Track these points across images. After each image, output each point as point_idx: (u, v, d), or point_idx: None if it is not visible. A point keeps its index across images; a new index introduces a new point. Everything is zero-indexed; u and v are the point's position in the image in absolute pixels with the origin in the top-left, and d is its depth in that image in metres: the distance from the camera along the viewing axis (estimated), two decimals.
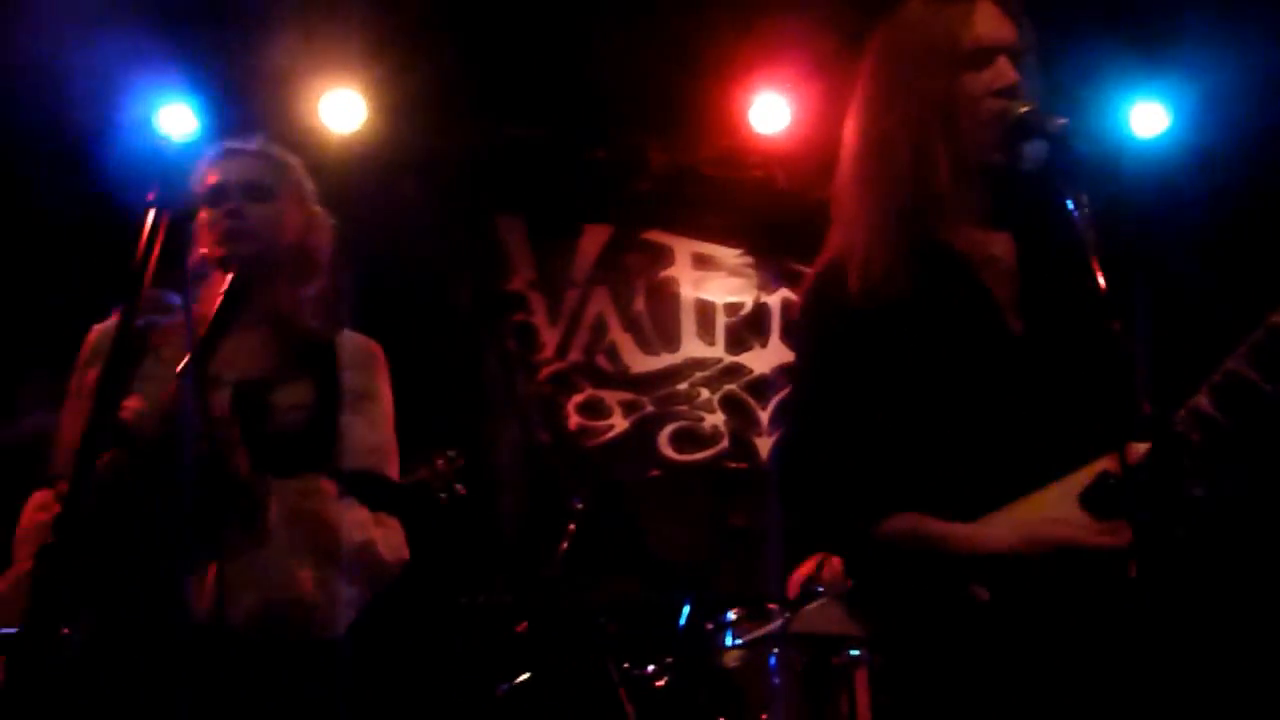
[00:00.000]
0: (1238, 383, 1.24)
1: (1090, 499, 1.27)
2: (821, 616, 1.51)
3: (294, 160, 1.95)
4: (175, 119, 3.94)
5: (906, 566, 1.33)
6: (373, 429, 1.81)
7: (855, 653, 2.37)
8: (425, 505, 3.35)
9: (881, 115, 1.50)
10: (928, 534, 1.32)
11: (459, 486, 3.38)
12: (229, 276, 1.75)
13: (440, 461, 3.37)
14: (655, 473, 3.81)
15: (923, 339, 1.40)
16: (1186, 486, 1.21)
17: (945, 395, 1.38)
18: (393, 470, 1.85)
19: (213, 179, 1.83)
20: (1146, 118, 4.13)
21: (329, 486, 1.67)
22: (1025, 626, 1.25)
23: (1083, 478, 1.29)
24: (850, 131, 1.55)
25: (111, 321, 1.83)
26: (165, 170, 1.35)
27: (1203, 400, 1.25)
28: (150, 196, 1.32)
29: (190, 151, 1.67)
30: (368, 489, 1.75)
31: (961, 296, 1.42)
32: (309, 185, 1.93)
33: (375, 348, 1.91)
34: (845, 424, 1.41)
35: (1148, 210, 3.74)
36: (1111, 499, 1.24)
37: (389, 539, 1.76)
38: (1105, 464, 1.28)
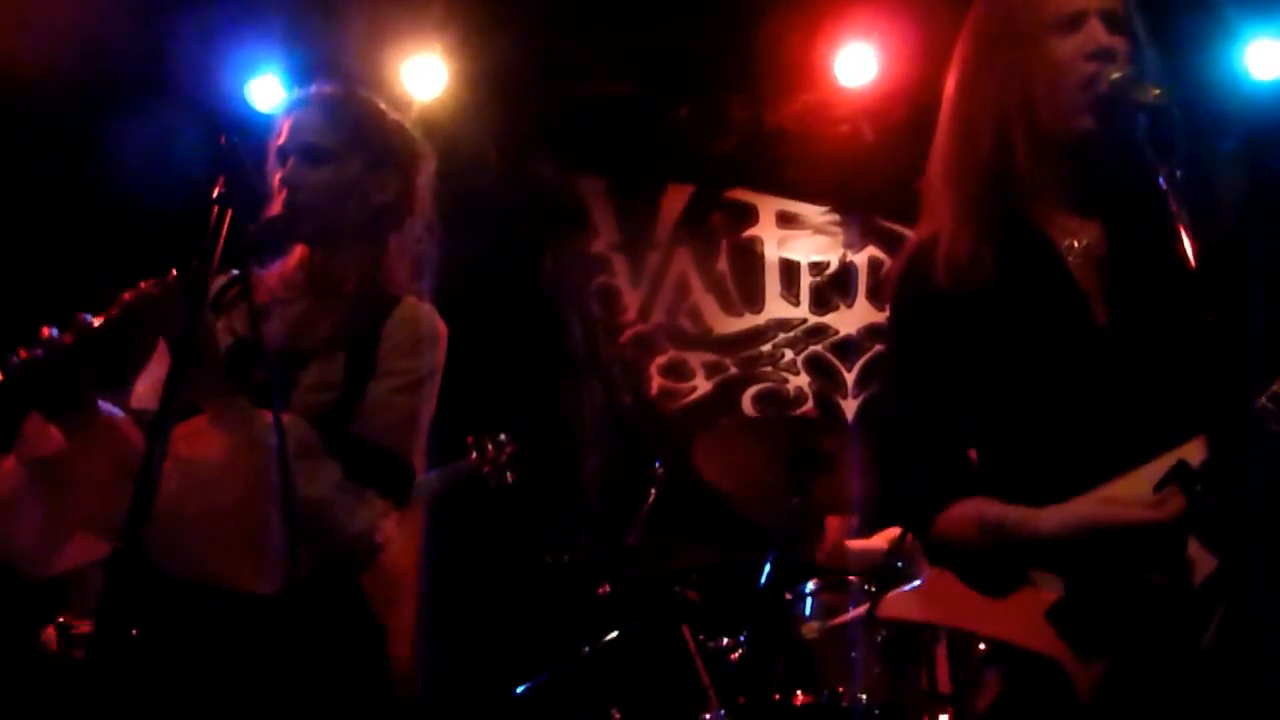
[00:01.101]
0: None
1: (1165, 486, 1.23)
2: (908, 602, 1.49)
3: (365, 109, 1.79)
4: (264, 90, 4.03)
5: (965, 551, 1.33)
6: (391, 399, 1.65)
7: (863, 696, 2.38)
8: (472, 489, 3.42)
9: (967, 92, 1.44)
10: (985, 517, 1.31)
11: (509, 473, 3.41)
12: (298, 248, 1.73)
13: (490, 447, 3.41)
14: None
15: (1005, 328, 1.38)
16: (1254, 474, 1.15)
17: (1025, 386, 1.36)
18: (403, 444, 1.66)
19: (279, 139, 1.75)
20: (1264, 57, 3.85)
21: (309, 432, 1.55)
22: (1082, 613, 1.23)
23: (1159, 467, 1.25)
24: (943, 109, 1.49)
25: (225, 277, 1.77)
26: (231, 165, 1.36)
27: None
28: (216, 191, 1.34)
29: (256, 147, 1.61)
30: (354, 455, 1.59)
31: (1046, 285, 1.38)
32: (382, 136, 1.77)
33: (425, 318, 1.74)
34: (928, 411, 1.40)
35: (1265, 165, 3.50)
36: (1186, 484, 1.20)
37: (353, 507, 1.56)
38: (1181, 453, 1.23)
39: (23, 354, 1.43)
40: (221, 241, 1.33)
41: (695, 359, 4.42)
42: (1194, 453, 1.25)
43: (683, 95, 4.39)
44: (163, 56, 3.71)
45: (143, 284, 1.50)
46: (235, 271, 1.76)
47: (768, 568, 2.68)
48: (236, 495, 1.49)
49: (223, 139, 1.38)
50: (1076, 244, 1.39)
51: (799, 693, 2.57)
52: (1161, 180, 1.23)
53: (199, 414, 1.55)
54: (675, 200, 4.55)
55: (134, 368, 1.69)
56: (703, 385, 4.39)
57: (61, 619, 2.10)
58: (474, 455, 3.39)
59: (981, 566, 1.32)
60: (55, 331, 1.45)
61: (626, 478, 3.90)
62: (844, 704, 2.52)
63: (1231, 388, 1.16)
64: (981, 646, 1.47)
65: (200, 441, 1.53)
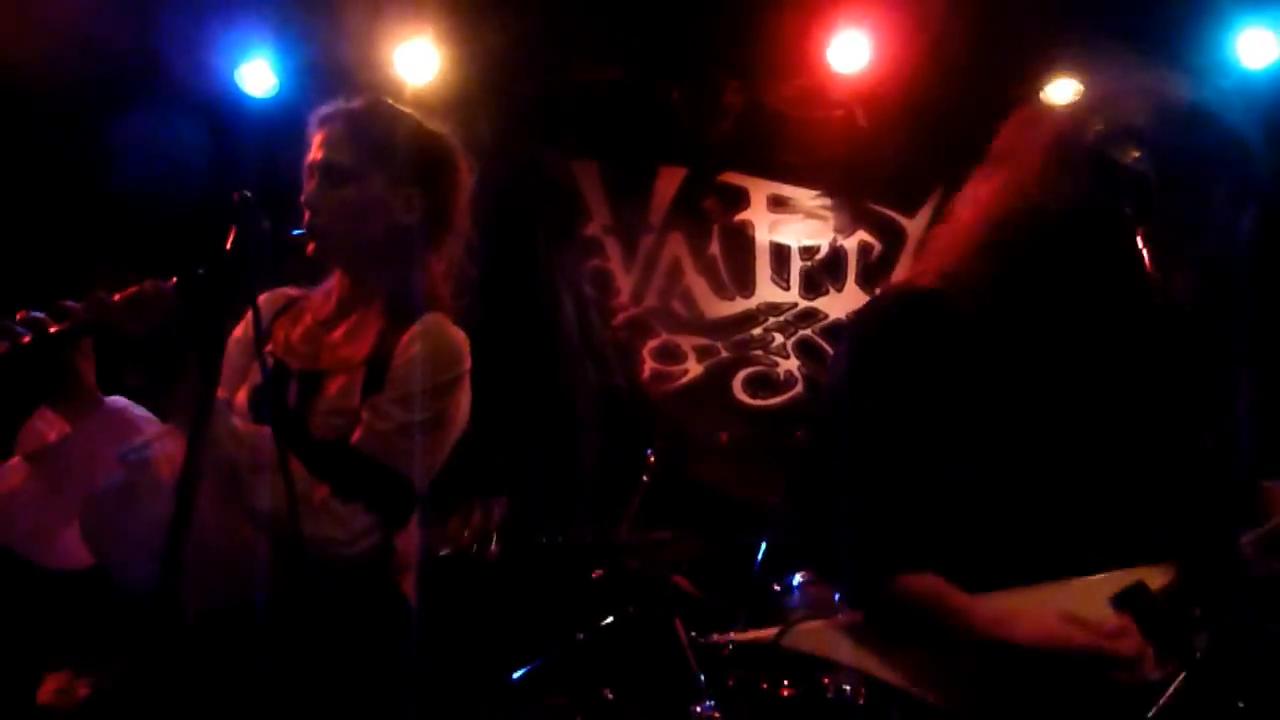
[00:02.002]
0: None
1: (1122, 602, 1.26)
2: (822, 638, 1.47)
3: (391, 124, 1.73)
4: (255, 75, 4.02)
5: (922, 629, 1.32)
6: (389, 411, 1.59)
7: (846, 687, 2.41)
8: (459, 561, 3.30)
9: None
10: (950, 603, 1.30)
11: (493, 547, 3.26)
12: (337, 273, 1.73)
13: (476, 515, 3.26)
14: (724, 437, 3.81)
15: (1008, 392, 1.37)
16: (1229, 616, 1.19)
17: (1003, 461, 1.35)
18: (399, 458, 1.59)
19: (307, 156, 1.71)
20: (1254, 46, 3.86)
21: (266, 444, 1.48)
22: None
23: (1119, 579, 1.28)
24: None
25: (282, 298, 1.76)
26: (244, 221, 1.35)
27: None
28: (229, 245, 1.34)
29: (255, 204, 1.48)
30: (345, 468, 1.54)
31: (1060, 363, 1.38)
32: (408, 153, 1.71)
33: (436, 331, 1.67)
34: (914, 469, 1.35)
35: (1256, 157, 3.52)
36: (1139, 608, 1.23)
37: (318, 519, 1.48)
38: (1145, 573, 1.27)
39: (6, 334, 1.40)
40: (228, 284, 1.35)
41: (687, 342, 4.46)
42: (1159, 575, 1.28)
43: (676, 79, 4.39)
44: (153, 40, 3.69)
45: (144, 284, 1.48)
46: (294, 293, 1.78)
47: (760, 556, 2.73)
48: (205, 510, 1.38)
49: (236, 196, 1.37)
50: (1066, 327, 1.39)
51: (785, 683, 2.65)
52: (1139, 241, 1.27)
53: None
54: (668, 183, 4.56)
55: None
56: (694, 369, 4.44)
57: (63, 673, 2.10)
58: (455, 521, 3.14)
59: (918, 637, 1.32)
60: (39, 314, 1.42)
61: (620, 461, 3.95)
62: (829, 695, 2.60)
63: (1215, 521, 1.19)
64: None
65: (155, 452, 1.51)
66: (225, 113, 4.05)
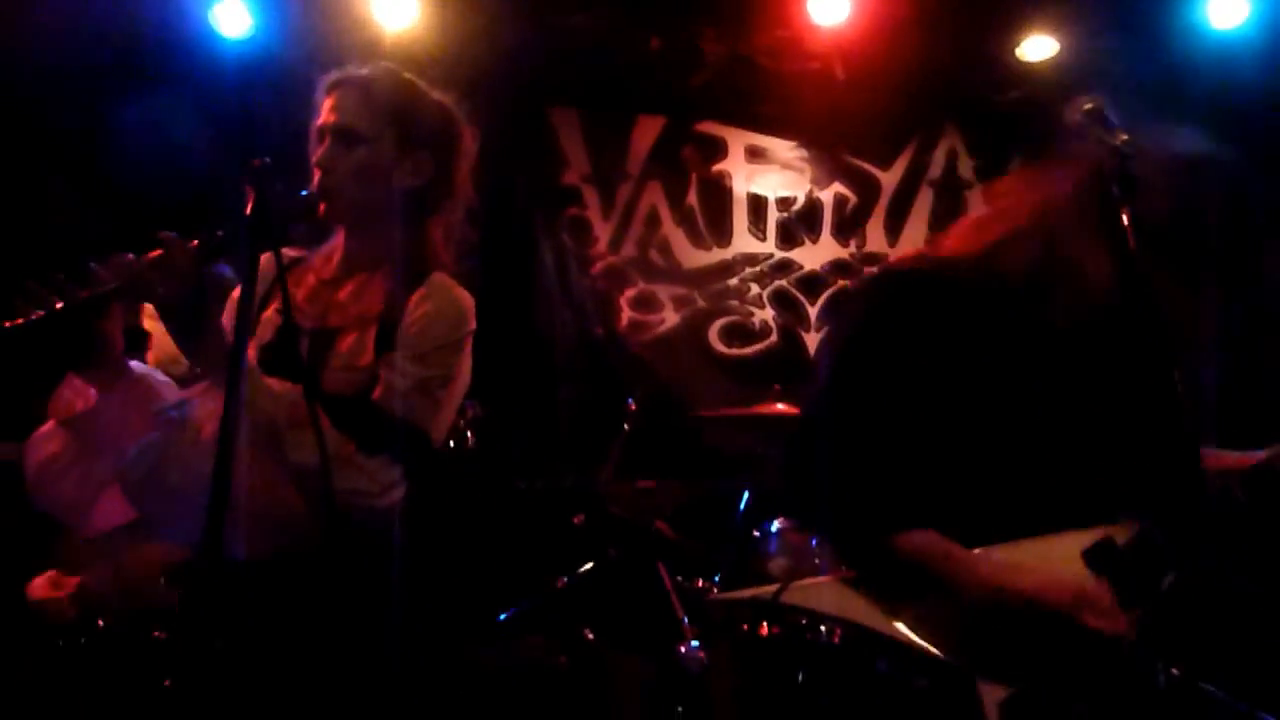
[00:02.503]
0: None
1: (1092, 559, 1.38)
2: (819, 594, 1.56)
3: (402, 92, 1.78)
4: (229, 16, 3.95)
5: (923, 580, 1.43)
6: (406, 368, 1.65)
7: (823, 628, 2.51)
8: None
9: None
10: (953, 555, 1.42)
11: (469, 436, 3.40)
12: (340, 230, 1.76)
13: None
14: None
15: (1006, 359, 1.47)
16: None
17: (988, 428, 1.46)
18: (419, 412, 1.66)
19: (318, 119, 1.75)
20: (1224, 8, 3.92)
21: (301, 401, 1.50)
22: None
23: (1089, 536, 1.39)
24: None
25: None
26: (261, 185, 1.39)
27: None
28: (248, 210, 1.38)
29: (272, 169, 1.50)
30: (369, 423, 1.60)
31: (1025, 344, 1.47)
32: (417, 120, 1.77)
33: (445, 290, 1.74)
34: (887, 430, 1.45)
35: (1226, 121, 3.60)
36: (1110, 564, 1.35)
37: (348, 472, 1.54)
38: (1112, 531, 1.38)
39: (39, 302, 1.43)
40: (254, 263, 1.39)
41: (664, 292, 4.53)
42: (1123, 532, 1.39)
43: (656, 28, 4.38)
44: None
45: (168, 246, 1.50)
46: (293, 254, 1.80)
47: (743, 505, 2.84)
48: (241, 466, 1.41)
49: (257, 161, 1.41)
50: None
51: (764, 624, 2.77)
52: (1124, 217, 1.35)
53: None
54: (646, 132, 4.58)
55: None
56: (671, 318, 4.51)
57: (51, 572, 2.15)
58: None
59: (919, 589, 1.41)
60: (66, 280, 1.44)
61: (599, 408, 4.02)
62: (807, 636, 2.73)
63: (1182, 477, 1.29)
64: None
65: (194, 411, 1.56)
66: (199, 54, 3.99)
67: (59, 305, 1.41)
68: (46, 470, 1.58)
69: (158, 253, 1.49)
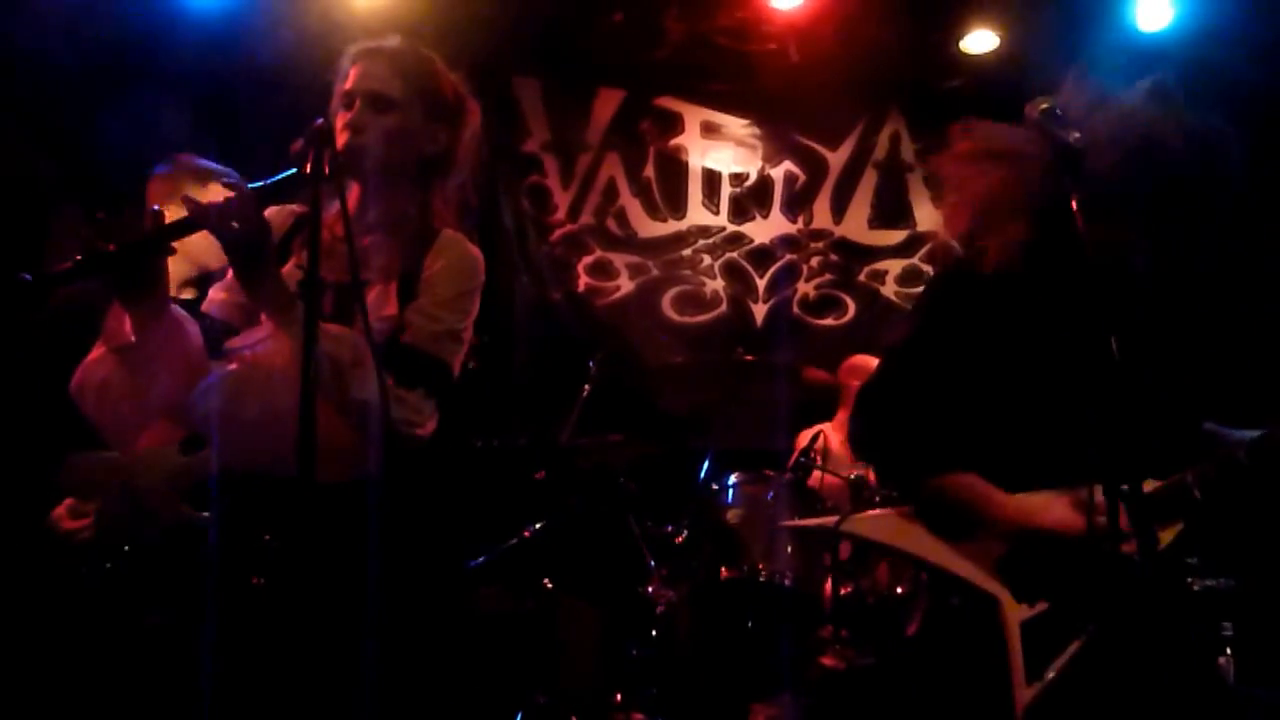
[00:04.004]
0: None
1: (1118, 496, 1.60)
2: (874, 524, 1.77)
3: (428, 65, 1.90)
4: None
5: (964, 514, 1.68)
6: (434, 312, 1.79)
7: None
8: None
9: None
10: (990, 495, 1.68)
11: (472, 362, 3.58)
12: (352, 185, 1.85)
13: None
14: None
15: (1032, 336, 1.69)
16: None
17: (1026, 394, 1.70)
18: (445, 351, 1.81)
19: (346, 84, 1.85)
20: (1152, 10, 4.15)
21: (361, 342, 1.66)
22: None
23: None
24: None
25: (290, 217, 1.88)
26: (323, 144, 1.52)
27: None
28: (308, 167, 1.50)
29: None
30: (404, 362, 1.73)
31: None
32: (439, 92, 1.89)
33: (461, 246, 1.89)
34: (940, 388, 1.71)
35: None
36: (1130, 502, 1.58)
37: (397, 406, 1.69)
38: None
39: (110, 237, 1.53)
40: (317, 213, 1.51)
41: (620, 260, 4.69)
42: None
43: (619, 3, 4.51)
44: None
45: (232, 191, 1.61)
46: (299, 210, 1.90)
47: (706, 464, 3.04)
48: (295, 397, 1.52)
49: (319, 121, 1.54)
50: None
51: (724, 569, 2.99)
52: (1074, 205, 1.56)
53: (260, 324, 1.73)
54: (606, 105, 4.72)
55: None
56: (626, 285, 4.68)
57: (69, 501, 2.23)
58: None
59: (954, 521, 1.66)
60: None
61: (557, 370, 4.17)
62: (762, 579, 2.95)
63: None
64: (923, 576, 1.79)
65: (264, 348, 1.70)
66: (164, 19, 3.99)
67: (149, 230, 1.52)
68: (105, 396, 1.67)
69: (222, 197, 1.60)
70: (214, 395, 1.65)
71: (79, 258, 1.53)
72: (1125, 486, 1.46)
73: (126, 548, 1.87)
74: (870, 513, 1.77)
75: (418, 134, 1.87)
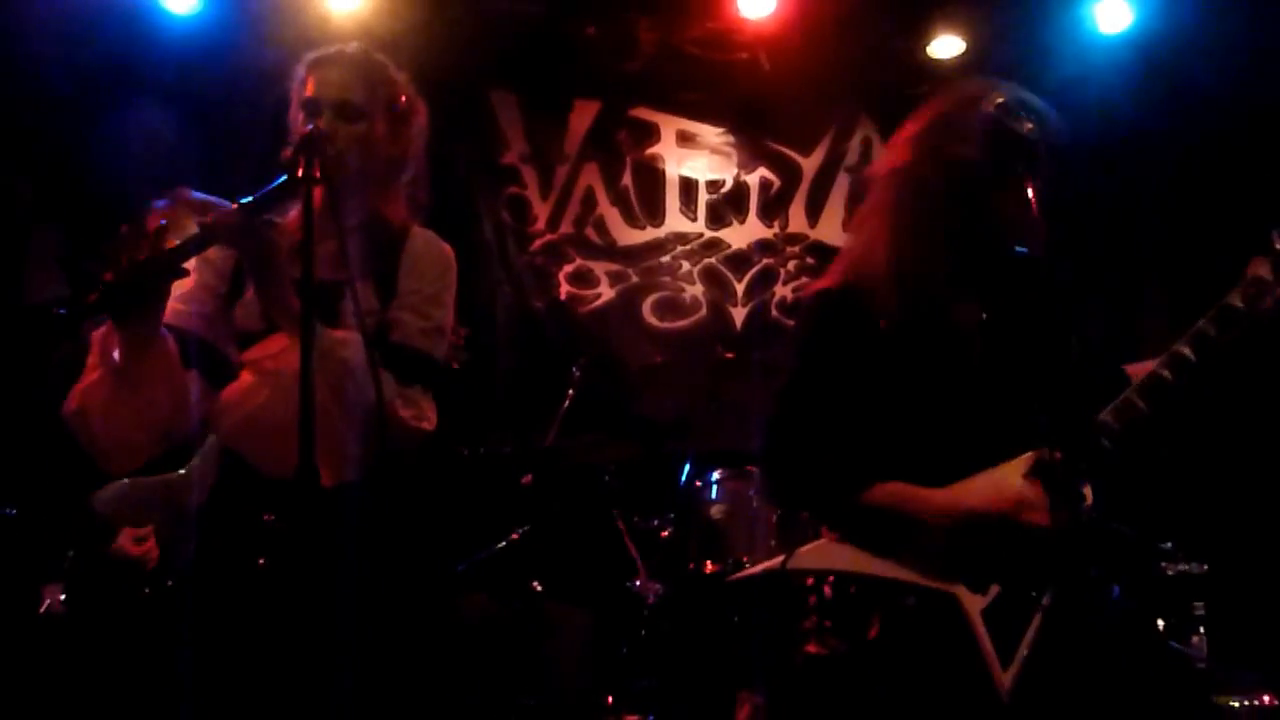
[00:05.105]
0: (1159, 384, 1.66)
1: (1032, 474, 1.68)
2: (819, 555, 1.77)
3: (385, 69, 1.93)
4: None
5: (894, 522, 1.71)
6: (420, 309, 1.83)
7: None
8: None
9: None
10: (914, 495, 1.71)
11: (461, 356, 3.66)
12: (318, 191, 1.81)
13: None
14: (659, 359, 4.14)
15: (913, 357, 1.75)
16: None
17: (925, 397, 1.75)
18: (435, 347, 1.85)
19: (309, 91, 1.85)
20: (1110, 13, 4.25)
21: (361, 344, 1.67)
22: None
23: (1024, 462, 1.70)
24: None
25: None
26: (316, 151, 1.57)
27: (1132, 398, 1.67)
28: (301, 172, 1.55)
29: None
30: (399, 361, 1.76)
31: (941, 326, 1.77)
32: (398, 95, 1.91)
33: (435, 242, 1.93)
34: (838, 414, 1.75)
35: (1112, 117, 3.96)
36: (1046, 474, 1.65)
37: (404, 404, 1.74)
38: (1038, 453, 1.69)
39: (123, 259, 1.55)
40: (311, 211, 1.56)
41: (600, 268, 4.76)
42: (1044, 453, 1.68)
43: (592, 16, 4.60)
44: None
45: (236, 207, 1.65)
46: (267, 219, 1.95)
47: (688, 465, 3.11)
48: (315, 401, 1.54)
49: (311, 128, 1.59)
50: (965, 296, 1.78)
51: (708, 562, 3.05)
52: (1030, 191, 1.65)
53: (278, 334, 1.77)
54: (583, 116, 4.80)
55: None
56: (607, 293, 4.75)
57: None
58: None
59: (888, 532, 1.68)
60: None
61: (539, 377, 4.23)
62: (745, 571, 3.02)
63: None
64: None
65: (284, 358, 1.74)
66: (144, 29, 4.05)
67: (143, 258, 1.54)
68: (110, 418, 1.66)
69: (227, 213, 1.64)
70: (238, 407, 1.70)
71: (104, 285, 1.55)
72: (1045, 452, 1.54)
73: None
74: (810, 545, 1.76)
75: (383, 137, 1.90)
